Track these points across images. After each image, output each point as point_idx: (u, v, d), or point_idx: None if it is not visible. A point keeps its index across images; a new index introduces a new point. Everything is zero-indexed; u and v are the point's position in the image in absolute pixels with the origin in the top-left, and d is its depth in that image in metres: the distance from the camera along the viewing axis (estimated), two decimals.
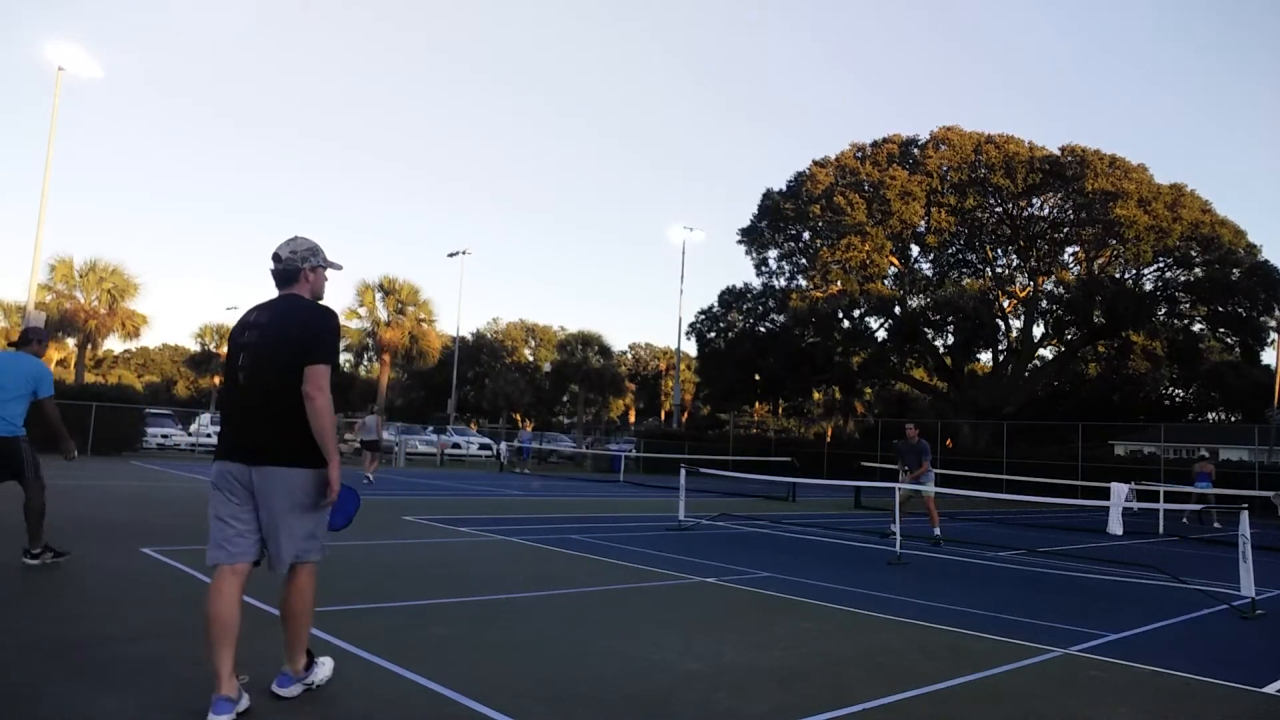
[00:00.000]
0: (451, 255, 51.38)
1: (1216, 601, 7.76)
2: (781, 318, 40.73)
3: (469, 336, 62.44)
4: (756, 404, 53.87)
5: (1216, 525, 18.88)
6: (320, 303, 3.74)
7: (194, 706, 3.59)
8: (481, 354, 63.24)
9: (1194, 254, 36.20)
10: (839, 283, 37.79)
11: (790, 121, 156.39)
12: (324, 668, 3.89)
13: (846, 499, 20.80)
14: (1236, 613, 7.34)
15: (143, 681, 3.91)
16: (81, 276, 36.06)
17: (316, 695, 3.81)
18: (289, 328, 3.53)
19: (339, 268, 3.88)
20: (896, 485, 11.38)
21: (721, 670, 4.65)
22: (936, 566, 9.85)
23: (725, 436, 43.95)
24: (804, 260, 40.85)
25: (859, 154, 40.50)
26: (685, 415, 55.58)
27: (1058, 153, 37.53)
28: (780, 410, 55.10)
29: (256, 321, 3.63)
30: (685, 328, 44.77)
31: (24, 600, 5.53)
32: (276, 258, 3.70)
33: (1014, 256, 41.00)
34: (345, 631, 4.99)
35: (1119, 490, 17.14)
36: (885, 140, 40.50)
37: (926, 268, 42.34)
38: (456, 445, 37.41)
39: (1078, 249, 39.28)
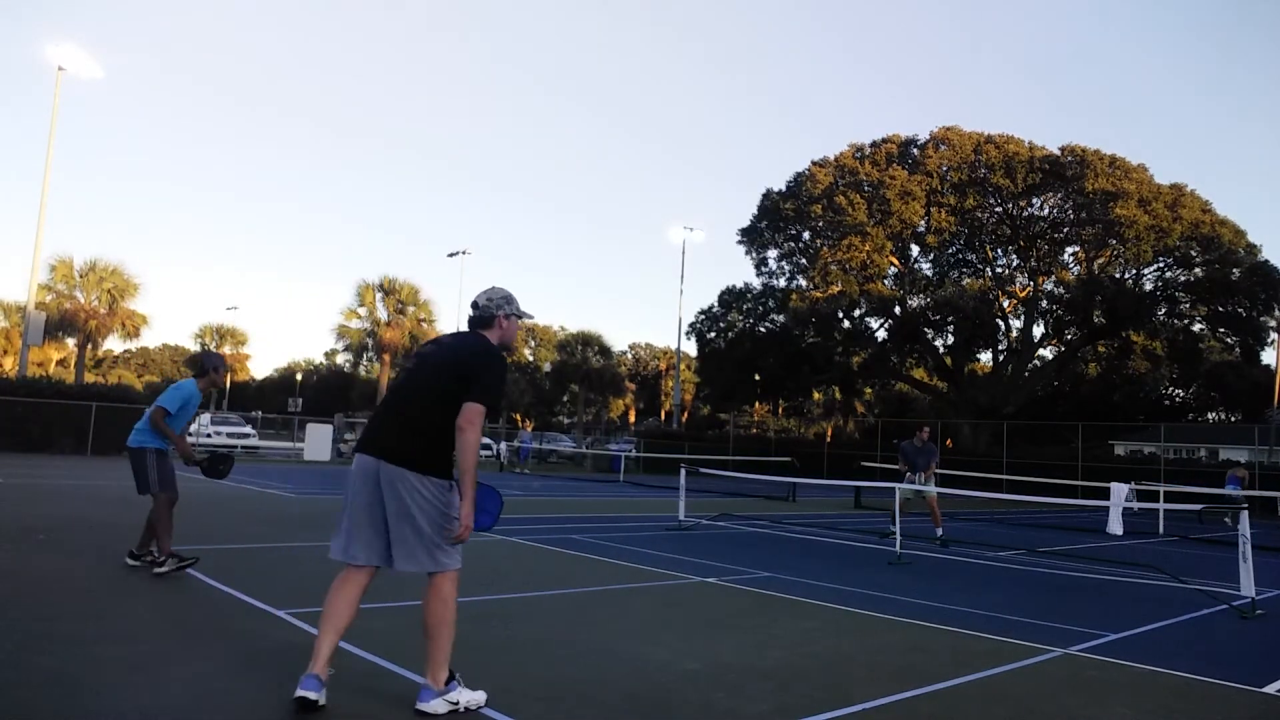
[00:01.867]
0: (451, 255, 51.48)
1: (1216, 601, 7.76)
2: (781, 318, 40.75)
3: None
4: (756, 404, 53.88)
5: (1225, 520, 18.88)
6: (494, 346, 3.92)
7: (193, 706, 3.60)
8: None
9: (1194, 254, 36.20)
10: (839, 283, 37.80)
11: (790, 121, 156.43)
12: (473, 694, 3.80)
13: (846, 499, 20.80)
14: (1236, 613, 7.34)
15: (142, 681, 3.91)
16: (81, 276, 36.06)
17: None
18: (454, 361, 3.77)
19: (530, 317, 4.17)
20: (896, 485, 11.38)
21: (721, 670, 4.65)
22: (936, 566, 9.84)
23: (725, 436, 43.95)
24: (804, 260, 40.86)
25: (859, 154, 40.50)
26: (685, 415, 55.61)
27: (1058, 153, 37.53)
28: (780, 410, 55.12)
29: (432, 350, 3.98)
30: (685, 328, 44.82)
31: (22, 600, 5.53)
32: (475, 305, 3.98)
33: (1014, 256, 41.00)
34: (345, 631, 4.98)
35: (1119, 490, 17.18)
36: (885, 140, 40.51)
37: (926, 268, 42.38)
38: None
39: (1078, 249, 39.29)
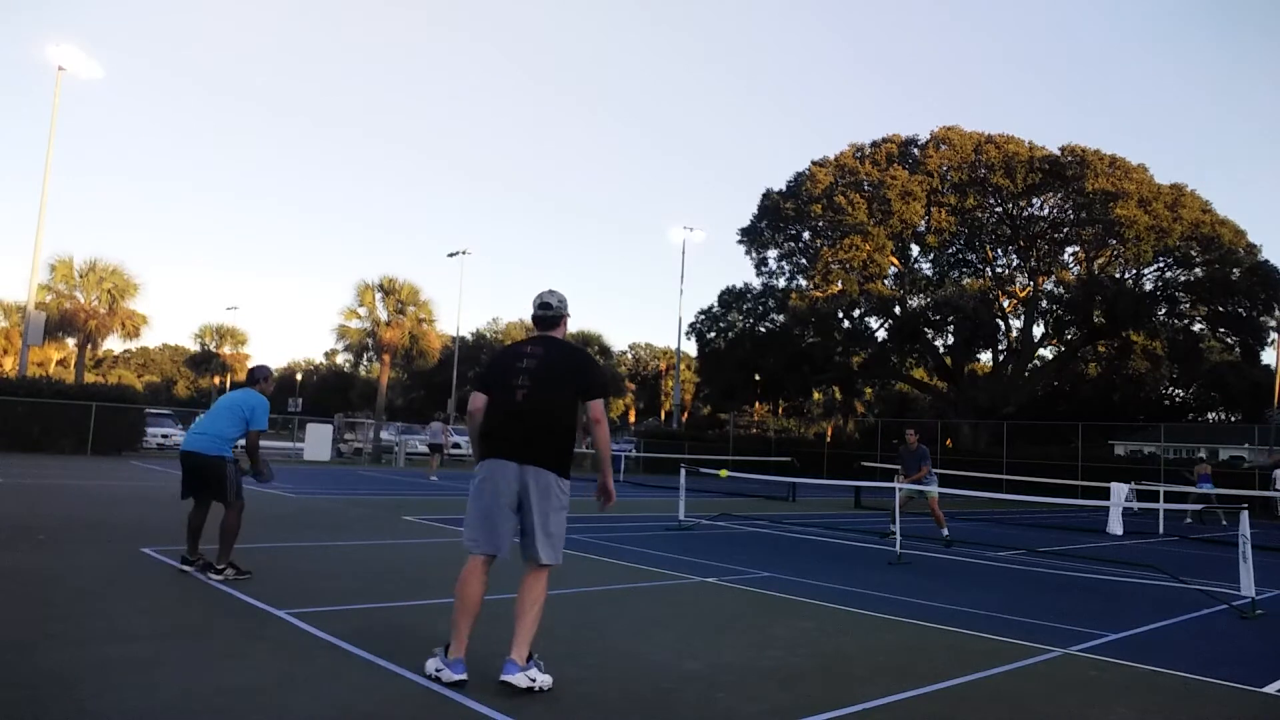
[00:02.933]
0: (451, 255, 51.46)
1: (1216, 601, 7.76)
2: (781, 318, 40.74)
3: (469, 336, 62.50)
4: (756, 404, 53.85)
5: (1224, 523, 18.89)
6: (582, 348, 4.60)
7: (193, 706, 3.60)
8: (481, 354, 63.22)
9: (1194, 254, 36.18)
10: (839, 283, 37.80)
11: (790, 121, 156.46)
12: (545, 676, 4.05)
13: (846, 499, 20.80)
14: (1236, 613, 7.34)
15: (142, 681, 3.91)
16: (81, 276, 36.04)
17: (317, 694, 3.81)
18: (564, 363, 4.26)
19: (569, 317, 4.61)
20: (896, 485, 11.38)
21: (721, 670, 4.65)
22: (936, 566, 9.84)
23: (725, 436, 43.95)
24: (804, 260, 40.85)
25: (859, 154, 40.50)
26: (685, 415, 55.59)
27: (1058, 153, 37.52)
28: (780, 410, 55.11)
29: (534, 353, 4.28)
30: (685, 328, 44.80)
31: (23, 600, 5.53)
32: (547, 305, 4.42)
33: (1014, 256, 41.00)
34: (345, 631, 4.99)
35: (1119, 490, 17.18)
36: (885, 140, 40.51)
37: (926, 268, 42.36)
38: (457, 445, 37.43)
39: (1078, 249, 39.28)
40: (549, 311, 4.41)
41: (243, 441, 6.78)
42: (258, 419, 6.77)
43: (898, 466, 12.93)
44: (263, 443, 7.05)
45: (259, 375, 7.12)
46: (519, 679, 3.96)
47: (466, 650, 4.08)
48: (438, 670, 4.06)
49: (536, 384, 4.17)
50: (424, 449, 37.04)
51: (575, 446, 4.30)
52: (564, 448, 4.19)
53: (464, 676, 4.00)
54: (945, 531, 12.01)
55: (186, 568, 6.72)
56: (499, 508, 4.11)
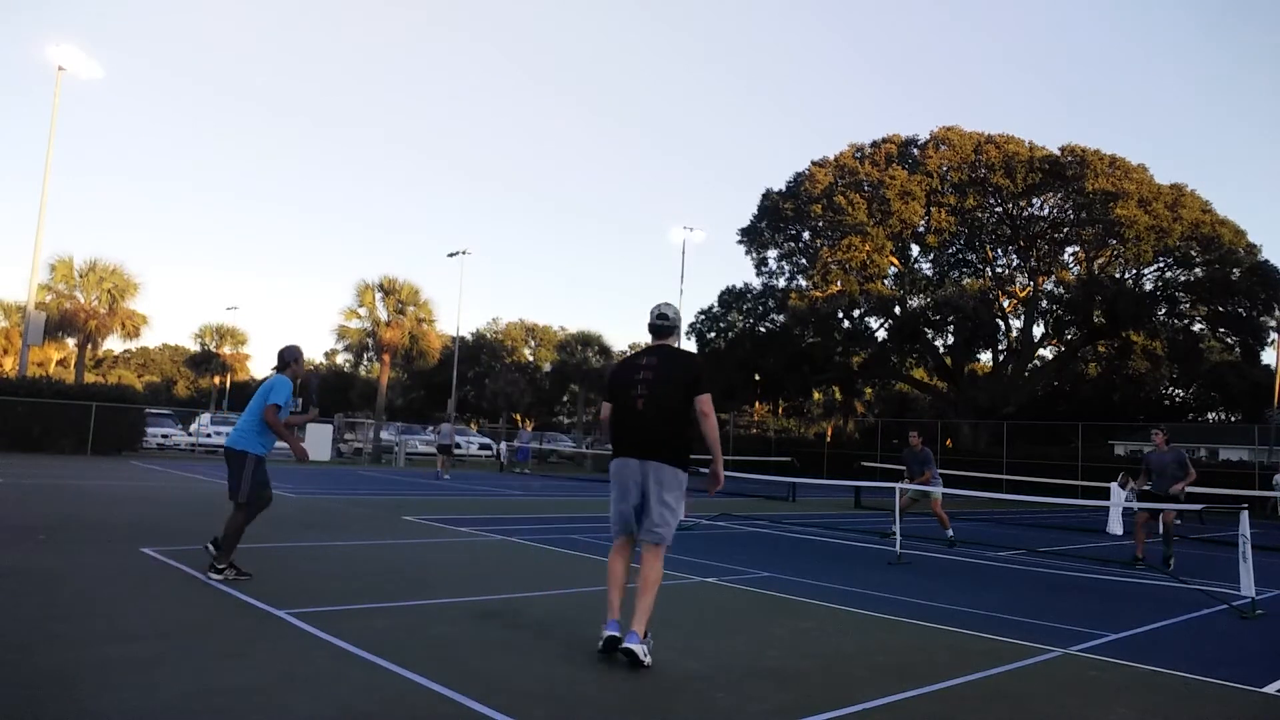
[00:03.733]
0: (451, 255, 51.36)
1: (1216, 601, 7.76)
2: (781, 318, 40.73)
3: (469, 336, 62.43)
4: (756, 404, 53.82)
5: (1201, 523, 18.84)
6: (693, 353, 5.33)
7: (193, 706, 3.60)
8: (481, 354, 63.20)
9: (1194, 254, 36.17)
10: (839, 283, 37.79)
11: (790, 121, 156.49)
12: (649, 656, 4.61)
13: (846, 499, 20.80)
14: (1236, 613, 7.34)
15: (141, 681, 3.91)
16: (81, 276, 36.01)
17: (317, 694, 3.82)
18: (676, 368, 4.84)
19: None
20: (897, 485, 11.38)
21: (721, 670, 4.65)
22: (936, 566, 9.84)
23: (725, 436, 43.95)
24: (804, 260, 40.85)
25: (858, 154, 40.49)
26: None
27: (1058, 153, 37.51)
28: (780, 410, 55.07)
29: (649, 364, 4.88)
30: (685, 328, 44.77)
31: (24, 600, 5.53)
32: (664, 316, 5.01)
33: (1014, 256, 40.99)
34: (345, 631, 4.99)
35: (1118, 490, 17.17)
36: (885, 140, 40.50)
37: (926, 268, 42.34)
38: (457, 445, 37.48)
39: (1078, 249, 39.27)
40: (665, 322, 5.01)
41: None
42: (273, 394, 6.54)
43: (898, 467, 12.92)
44: None
45: (287, 358, 6.83)
46: (639, 649, 4.50)
47: (619, 612, 4.74)
48: (607, 630, 4.74)
49: (652, 391, 4.78)
50: (424, 449, 37.17)
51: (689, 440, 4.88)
52: (679, 444, 4.80)
53: (614, 633, 4.64)
54: (950, 533, 12.01)
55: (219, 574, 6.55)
56: (626, 498, 4.82)
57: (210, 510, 12.09)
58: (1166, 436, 11.17)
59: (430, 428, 43.19)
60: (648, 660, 4.52)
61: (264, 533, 9.64)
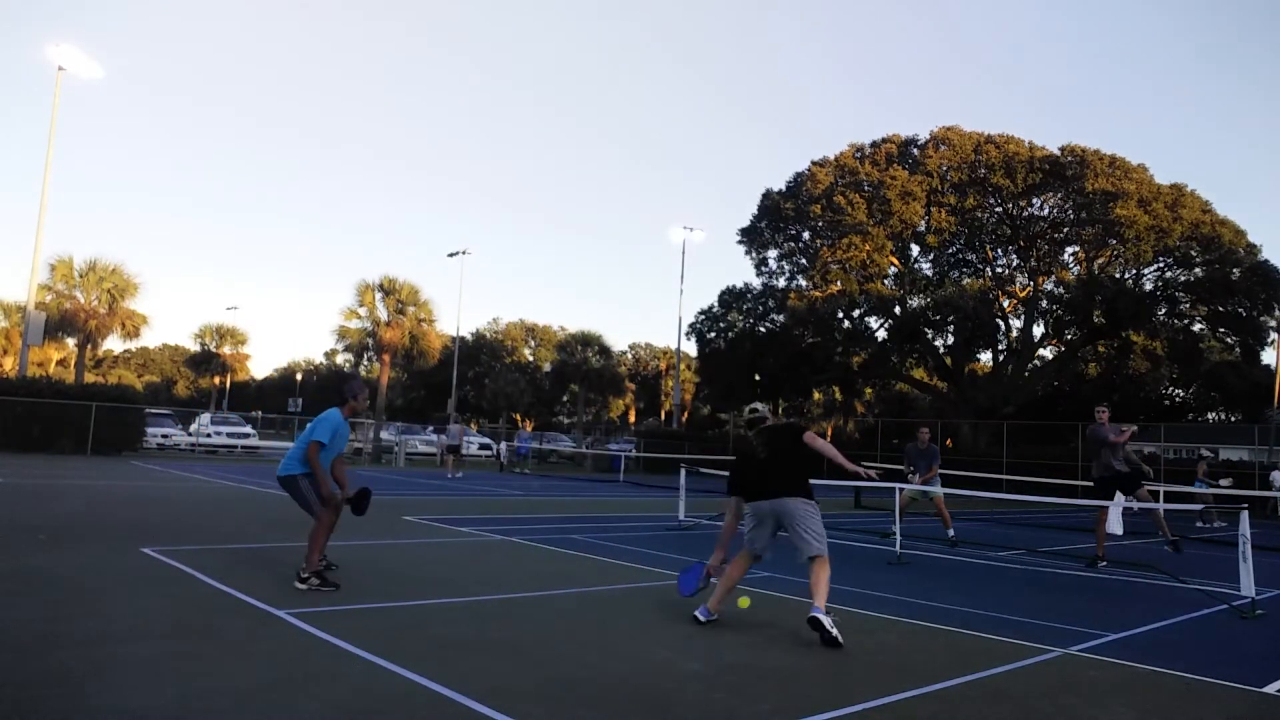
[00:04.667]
0: (451, 255, 51.39)
1: (1216, 601, 7.76)
2: (781, 318, 40.68)
3: (469, 336, 62.46)
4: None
5: (1219, 524, 18.85)
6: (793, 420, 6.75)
7: (193, 706, 3.60)
8: (481, 354, 63.23)
9: (1194, 254, 36.13)
10: (839, 283, 37.76)
11: (790, 121, 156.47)
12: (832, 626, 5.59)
13: (846, 499, 20.79)
14: (1236, 613, 7.34)
15: (142, 682, 3.91)
16: (81, 276, 35.99)
17: (317, 694, 3.82)
18: (792, 433, 6.17)
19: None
20: (897, 485, 11.37)
21: (721, 670, 4.65)
22: (936, 566, 9.84)
23: (725, 436, 43.93)
24: (804, 260, 40.80)
25: (858, 154, 40.45)
26: (685, 415, 55.57)
27: (1058, 153, 37.48)
28: (780, 410, 55.03)
29: (758, 438, 6.23)
30: (685, 328, 44.77)
31: (24, 600, 5.53)
32: (756, 410, 6.52)
33: (1014, 256, 40.95)
34: (345, 631, 4.99)
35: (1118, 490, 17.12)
36: (885, 140, 40.45)
37: (926, 268, 42.27)
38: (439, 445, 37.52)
39: (1078, 249, 39.23)
40: (756, 415, 6.45)
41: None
42: (316, 431, 6.43)
43: (899, 466, 12.91)
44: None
45: (347, 394, 6.70)
46: (826, 620, 5.45)
47: (717, 607, 5.95)
48: (697, 613, 5.93)
49: (781, 454, 6.07)
50: (424, 449, 37.19)
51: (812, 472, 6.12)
52: (803, 479, 6.00)
53: (707, 619, 5.85)
54: (951, 532, 12.00)
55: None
56: (763, 526, 6.02)
57: (211, 511, 12.10)
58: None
59: (431, 427, 43.21)
60: (835, 631, 5.44)
61: (264, 533, 9.66)
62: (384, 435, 37.49)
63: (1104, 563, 10.40)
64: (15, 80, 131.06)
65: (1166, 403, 46.39)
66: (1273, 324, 36.50)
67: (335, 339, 38.79)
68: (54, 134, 27.50)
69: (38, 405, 24.90)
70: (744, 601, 6.02)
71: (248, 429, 35.32)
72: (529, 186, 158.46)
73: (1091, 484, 10.86)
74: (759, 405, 6.50)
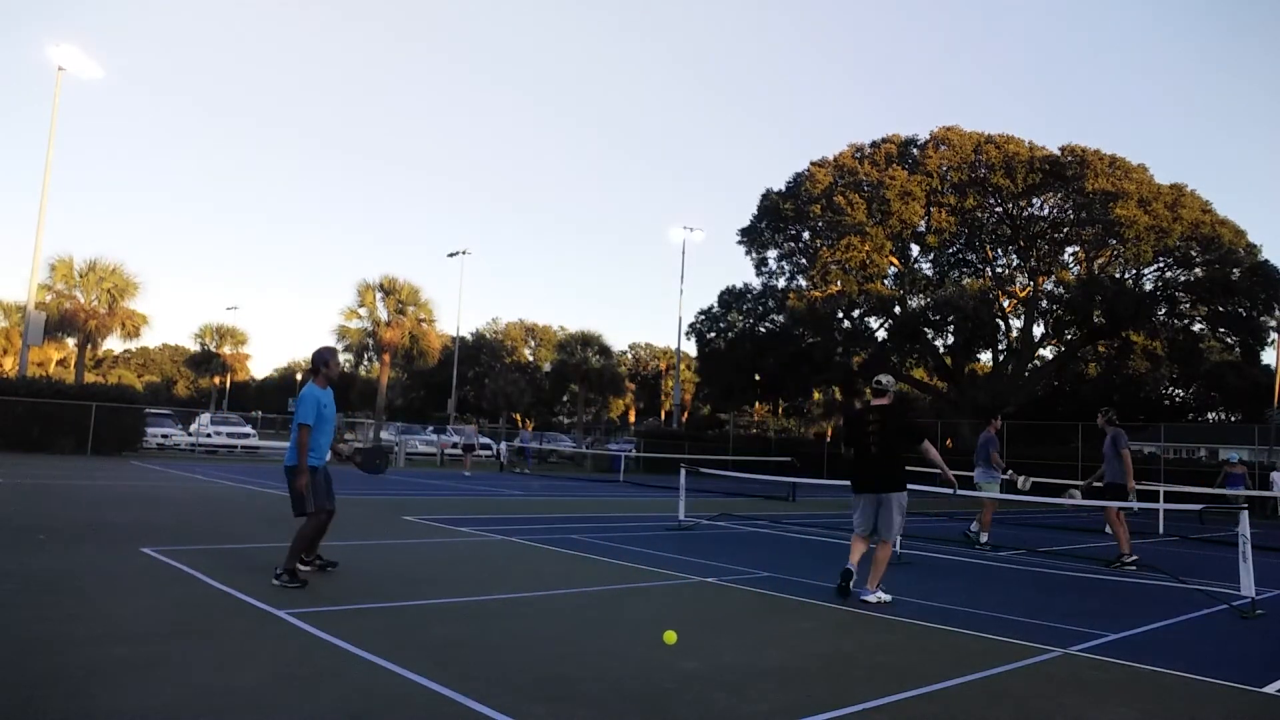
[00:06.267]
0: (451, 255, 51.48)
1: (1216, 601, 7.76)
2: (781, 318, 40.67)
3: (469, 336, 62.43)
4: (756, 404, 53.82)
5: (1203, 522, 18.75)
6: (899, 404, 7.77)
7: (193, 706, 3.60)
8: (481, 354, 63.22)
9: (1194, 254, 36.13)
10: (839, 283, 37.74)
11: (790, 122, 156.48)
12: (887, 595, 6.91)
13: (846, 499, 20.77)
14: (1236, 613, 7.33)
15: (142, 682, 3.91)
16: (81, 276, 36.00)
17: (317, 694, 3.82)
18: (898, 422, 7.22)
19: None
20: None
21: (721, 670, 4.65)
22: (936, 566, 9.84)
23: (725, 436, 43.94)
24: (804, 260, 40.78)
25: (858, 154, 40.43)
26: (685, 415, 55.57)
27: (1058, 153, 37.47)
28: (780, 410, 55.06)
29: (876, 420, 7.15)
30: (685, 328, 44.74)
31: (24, 600, 5.53)
32: (880, 383, 7.27)
33: (1014, 256, 40.94)
34: (345, 631, 4.99)
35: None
36: (884, 140, 40.44)
37: (926, 268, 42.26)
38: (457, 445, 37.50)
39: (1078, 249, 39.22)
40: (880, 386, 7.22)
41: (342, 445, 6.51)
42: (298, 414, 6.35)
43: (969, 472, 12.60)
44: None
45: (317, 362, 6.58)
46: (869, 597, 6.76)
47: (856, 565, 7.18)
48: (864, 596, 6.90)
49: (881, 439, 7.07)
50: (424, 449, 37.19)
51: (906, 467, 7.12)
52: (900, 475, 7.06)
53: (847, 570, 7.12)
54: (981, 534, 11.95)
55: (304, 568, 6.69)
56: (867, 513, 7.18)
57: (211, 510, 12.09)
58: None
59: (431, 428, 43.23)
60: (884, 599, 6.81)
61: (264, 532, 9.65)
62: (384, 435, 37.48)
63: (1134, 558, 10.23)
64: (15, 80, 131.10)
65: (1166, 403, 46.35)
66: (1273, 324, 36.49)
67: (335, 339, 38.82)
68: (54, 134, 27.52)
69: (38, 405, 24.90)
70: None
71: (248, 429, 35.29)
72: (529, 186, 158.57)
73: (1101, 486, 10.79)
74: (883, 378, 7.18)
